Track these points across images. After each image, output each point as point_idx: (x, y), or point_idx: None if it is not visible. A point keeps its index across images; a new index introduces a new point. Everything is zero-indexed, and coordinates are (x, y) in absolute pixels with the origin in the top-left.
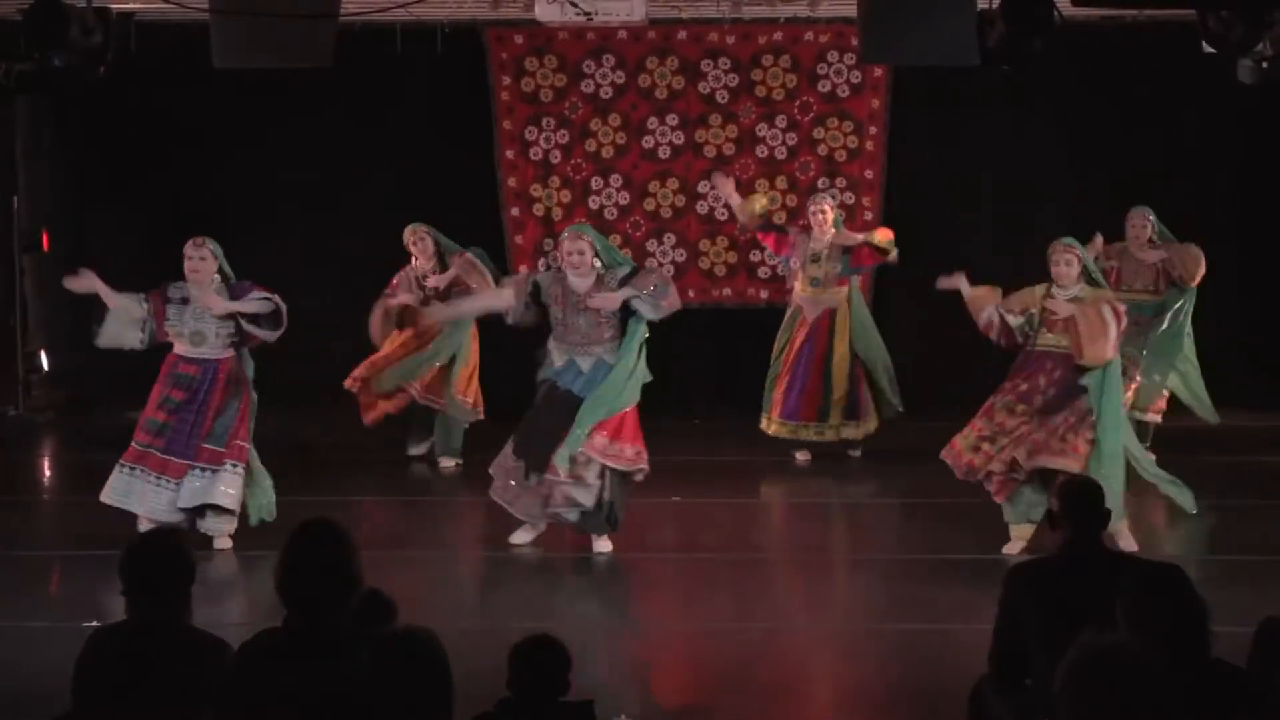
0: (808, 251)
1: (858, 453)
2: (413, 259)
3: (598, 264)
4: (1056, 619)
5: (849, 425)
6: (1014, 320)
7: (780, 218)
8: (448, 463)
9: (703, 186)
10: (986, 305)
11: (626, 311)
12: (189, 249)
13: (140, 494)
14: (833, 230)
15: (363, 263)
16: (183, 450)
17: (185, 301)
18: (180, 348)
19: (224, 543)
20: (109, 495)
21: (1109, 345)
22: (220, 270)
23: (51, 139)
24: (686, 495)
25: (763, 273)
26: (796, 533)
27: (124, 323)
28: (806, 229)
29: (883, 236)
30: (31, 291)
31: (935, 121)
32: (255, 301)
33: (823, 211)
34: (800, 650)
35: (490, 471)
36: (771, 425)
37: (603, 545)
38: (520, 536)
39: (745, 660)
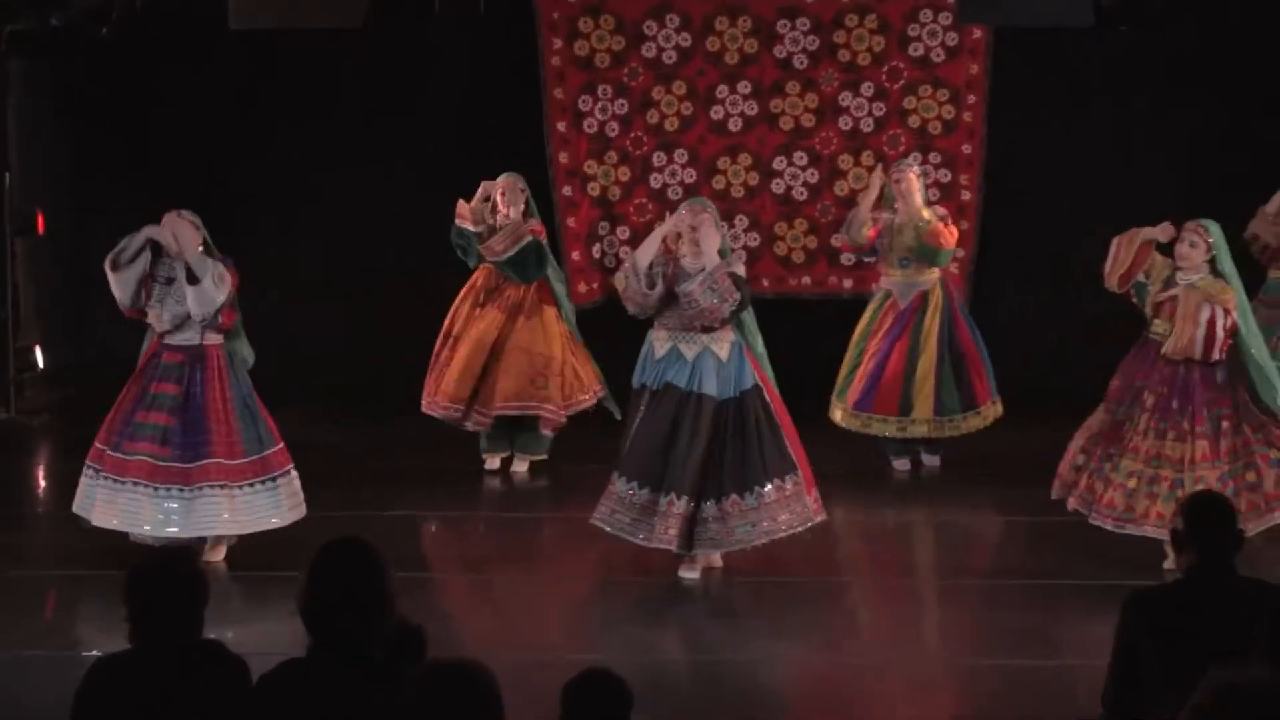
0: (894, 228)
1: (935, 459)
2: (498, 207)
3: (718, 243)
4: (1182, 653)
5: (938, 422)
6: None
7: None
8: (519, 466)
9: (778, 163)
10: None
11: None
12: (167, 218)
13: (137, 510)
14: (920, 202)
15: (396, 247)
16: (207, 452)
17: (171, 281)
18: (165, 336)
19: (216, 555)
20: (81, 507)
21: (1192, 344)
22: (205, 243)
23: (49, 110)
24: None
25: (846, 259)
26: (883, 552)
27: (141, 272)
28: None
29: (943, 236)
30: (24, 279)
31: (1042, 91)
32: (210, 267)
33: (906, 180)
34: (892, 687)
35: (597, 521)
36: (841, 413)
37: (691, 570)
38: (689, 571)
39: (830, 697)
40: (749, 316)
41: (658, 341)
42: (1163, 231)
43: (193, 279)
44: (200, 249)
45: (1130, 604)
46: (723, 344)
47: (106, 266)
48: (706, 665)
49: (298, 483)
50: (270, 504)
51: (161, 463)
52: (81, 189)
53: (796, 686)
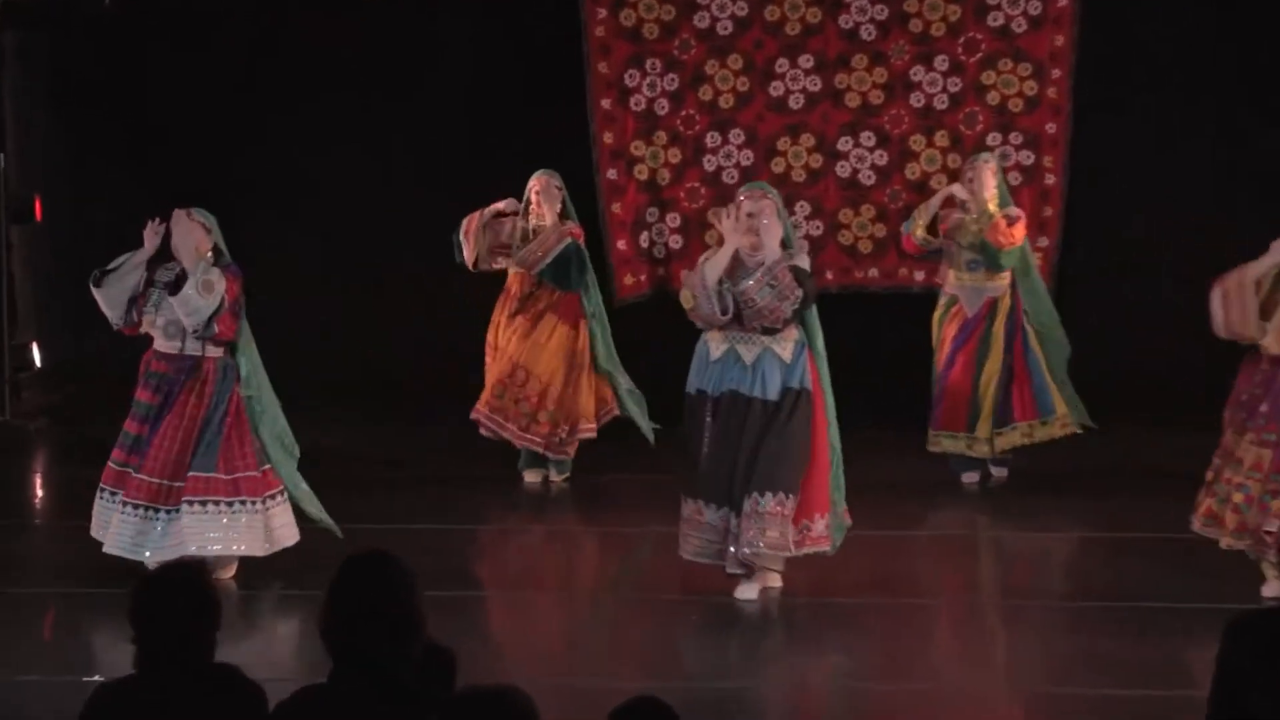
0: (962, 226)
1: (1004, 471)
2: (531, 208)
3: (780, 233)
4: None
5: (1002, 434)
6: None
7: (940, 181)
8: (555, 476)
9: (844, 144)
10: None
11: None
12: (175, 216)
13: (114, 525)
14: (994, 202)
15: (421, 241)
16: (160, 469)
17: (167, 287)
18: (157, 342)
19: (225, 571)
20: (97, 530)
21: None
22: (216, 248)
23: (47, 90)
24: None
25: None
26: (953, 571)
27: (132, 289)
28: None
29: (1004, 234)
30: (21, 270)
31: (1135, 61)
32: (212, 278)
33: (977, 171)
34: (962, 717)
35: (689, 555)
36: (945, 441)
37: (749, 591)
38: (746, 591)
39: None
40: (811, 311)
41: (712, 342)
42: (1274, 258)
43: (174, 287)
44: (209, 253)
45: (1233, 629)
46: (786, 344)
47: (90, 283)
48: (762, 691)
49: (273, 516)
50: (212, 527)
51: (123, 469)
52: (82, 173)
53: (860, 715)
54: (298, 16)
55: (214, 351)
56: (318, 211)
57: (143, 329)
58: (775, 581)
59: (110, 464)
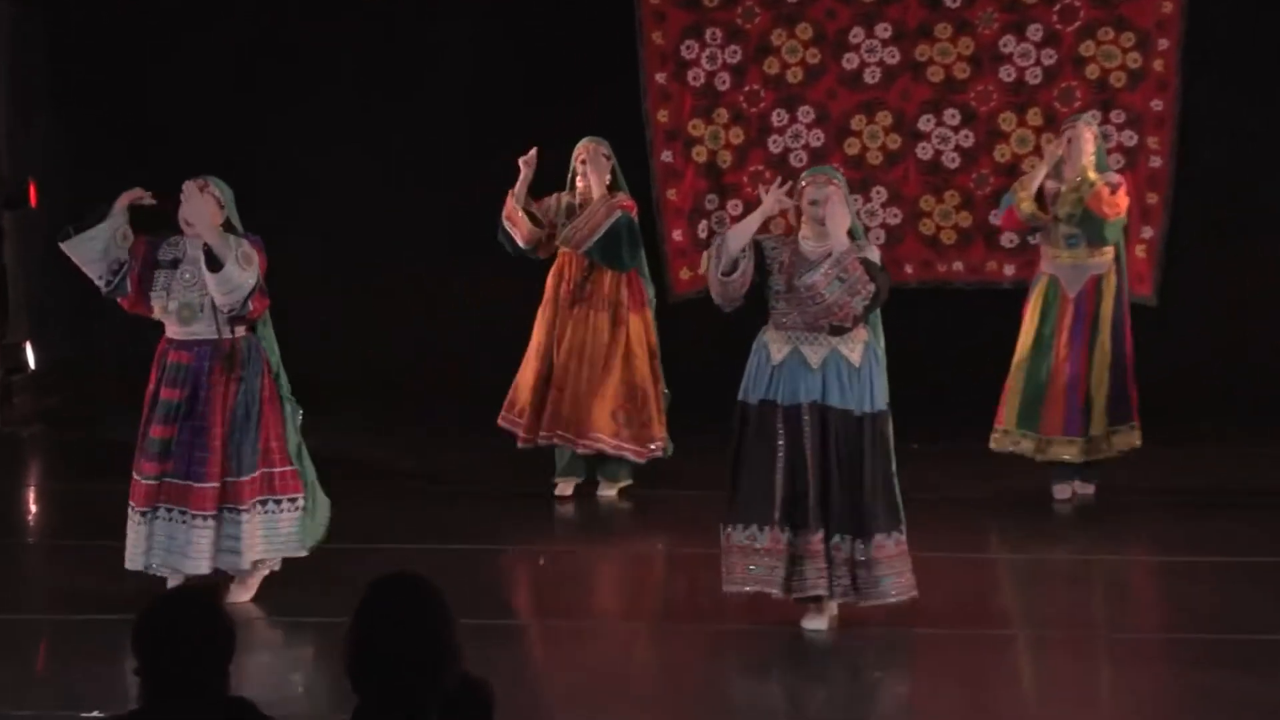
0: (1059, 196)
1: (1090, 487)
2: (577, 180)
3: (848, 222)
4: None
5: (1120, 433)
6: None
7: (1032, 164)
8: (607, 491)
9: (925, 123)
10: None
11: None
12: (186, 189)
13: (177, 544)
14: (1093, 167)
15: (451, 226)
16: (202, 472)
17: (176, 264)
18: (170, 328)
19: (243, 594)
20: (134, 559)
21: None
22: (228, 222)
23: (43, 68)
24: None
25: (1008, 240)
26: (1043, 598)
27: (103, 247)
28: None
29: (1108, 202)
30: (13, 261)
31: (1253, 30)
32: (234, 245)
33: (1077, 133)
34: None
35: (732, 587)
36: (1007, 437)
37: (817, 621)
38: (815, 622)
39: None
40: (876, 312)
41: (773, 344)
42: None
43: (213, 264)
44: (219, 227)
45: None
46: (854, 346)
47: (58, 239)
48: None
49: (299, 518)
50: (268, 533)
51: (164, 481)
52: (81, 157)
53: None
54: (298, 14)
55: (239, 330)
56: (318, 211)
57: (155, 314)
58: (834, 609)
59: (139, 478)
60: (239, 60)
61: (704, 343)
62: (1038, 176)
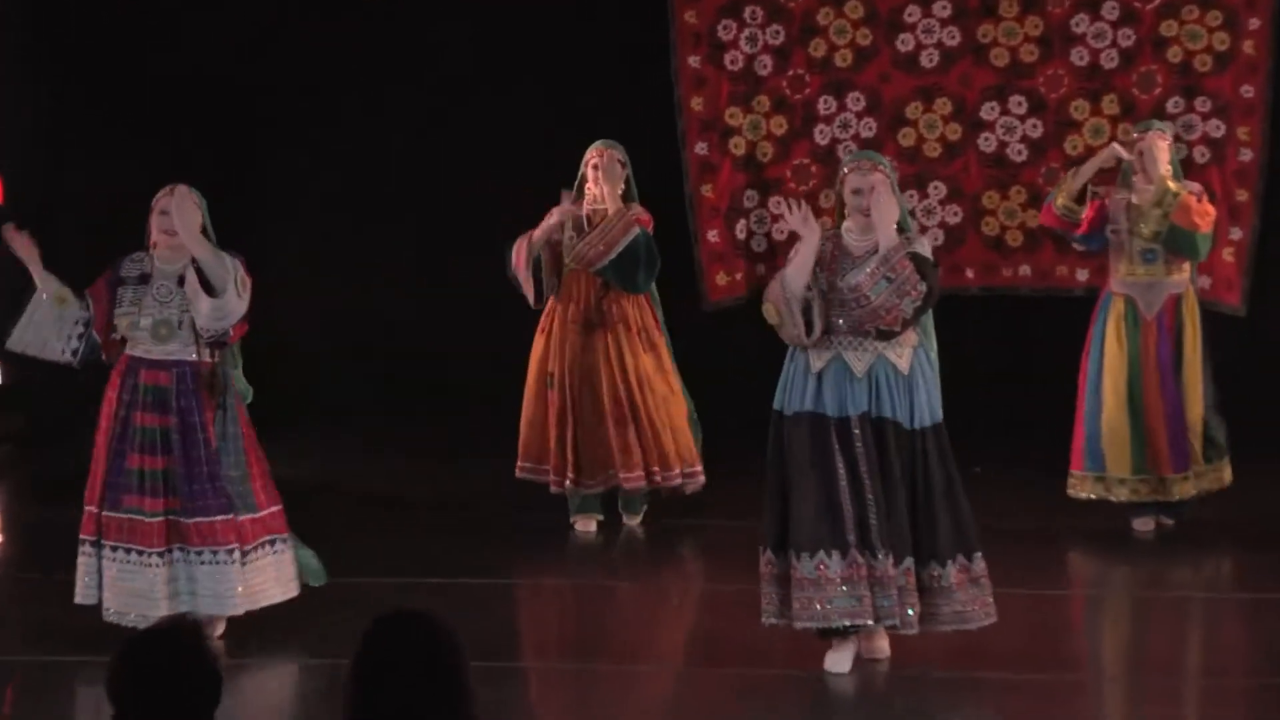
0: (1132, 209)
1: (1172, 521)
2: (588, 187)
3: (896, 215)
4: None
5: (1212, 471)
6: None
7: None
8: (632, 521)
9: (988, 110)
10: None
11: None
12: (177, 194)
13: (202, 588)
14: (1169, 177)
15: (468, 229)
16: (211, 505)
17: (145, 279)
18: (137, 346)
19: (213, 629)
20: (87, 594)
21: None
22: (205, 232)
23: (17, 56)
24: None
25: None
26: (1124, 639)
27: (51, 319)
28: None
29: (1198, 213)
30: None
31: None
32: (230, 268)
33: (1149, 142)
34: None
35: (770, 620)
36: (1085, 483)
37: (841, 659)
38: (838, 660)
39: None
40: (927, 314)
41: (813, 350)
42: None
43: (211, 289)
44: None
45: None
46: (903, 352)
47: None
48: None
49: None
50: (274, 577)
51: (159, 518)
52: (55, 149)
53: None
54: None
55: (210, 357)
56: (369, 179)
57: (119, 333)
58: (883, 650)
59: (106, 512)
60: (238, 49)
61: (745, 357)
62: (1084, 175)
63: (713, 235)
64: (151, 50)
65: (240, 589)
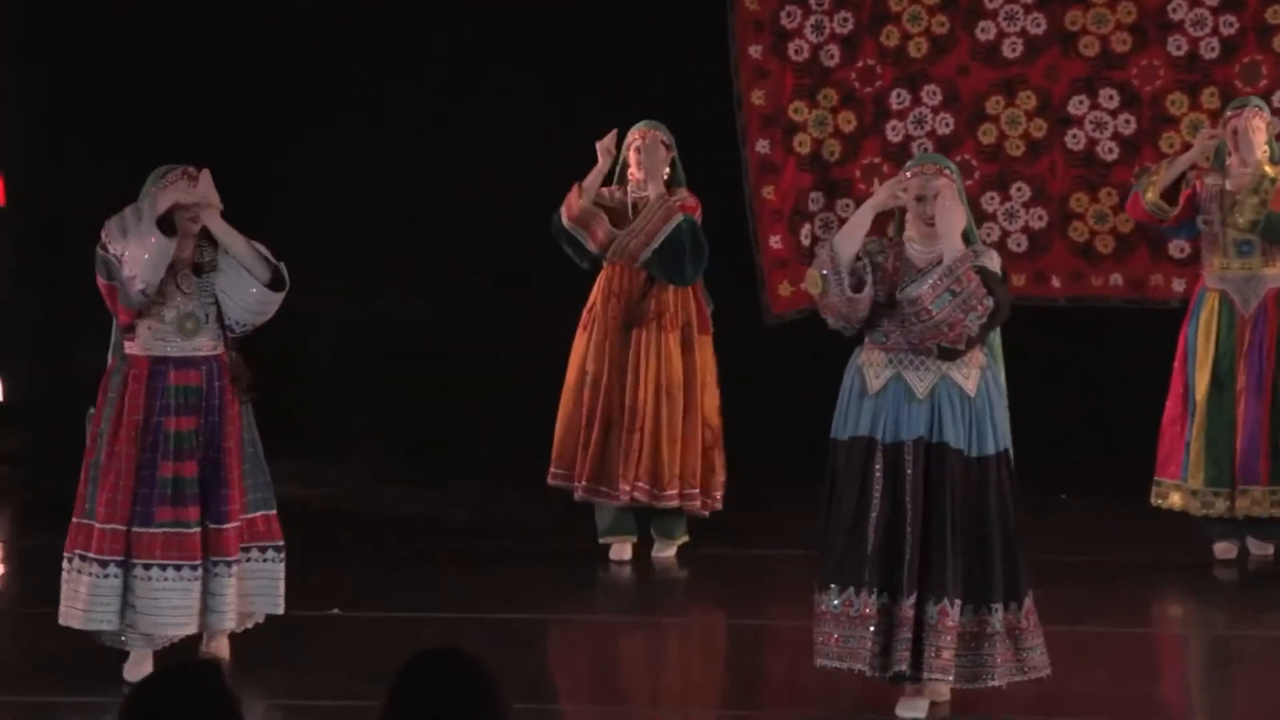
0: (1224, 196)
1: (1269, 547)
2: (630, 173)
3: (963, 223)
4: None
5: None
6: None
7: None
8: (665, 551)
9: (1077, 105)
10: None
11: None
12: (202, 177)
13: (181, 604)
14: (1267, 161)
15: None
16: (225, 511)
17: (172, 267)
18: (159, 343)
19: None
20: (101, 620)
21: None
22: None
23: (16, 51)
24: (1054, 619)
25: (1177, 250)
26: (1218, 685)
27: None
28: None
29: None
30: None
31: None
32: (268, 258)
33: (1245, 122)
34: None
35: (826, 661)
36: (1177, 494)
37: (915, 708)
38: (911, 709)
39: None
40: (995, 334)
41: (870, 368)
42: None
43: (279, 281)
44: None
45: None
46: (970, 373)
47: (161, 231)
48: None
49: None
50: (269, 585)
51: (198, 528)
52: (59, 146)
53: None
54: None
55: (221, 351)
56: (394, 181)
57: (138, 329)
58: (944, 693)
59: (137, 527)
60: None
61: (808, 374)
62: (1179, 166)
63: (775, 241)
64: (152, 50)
65: (282, 588)
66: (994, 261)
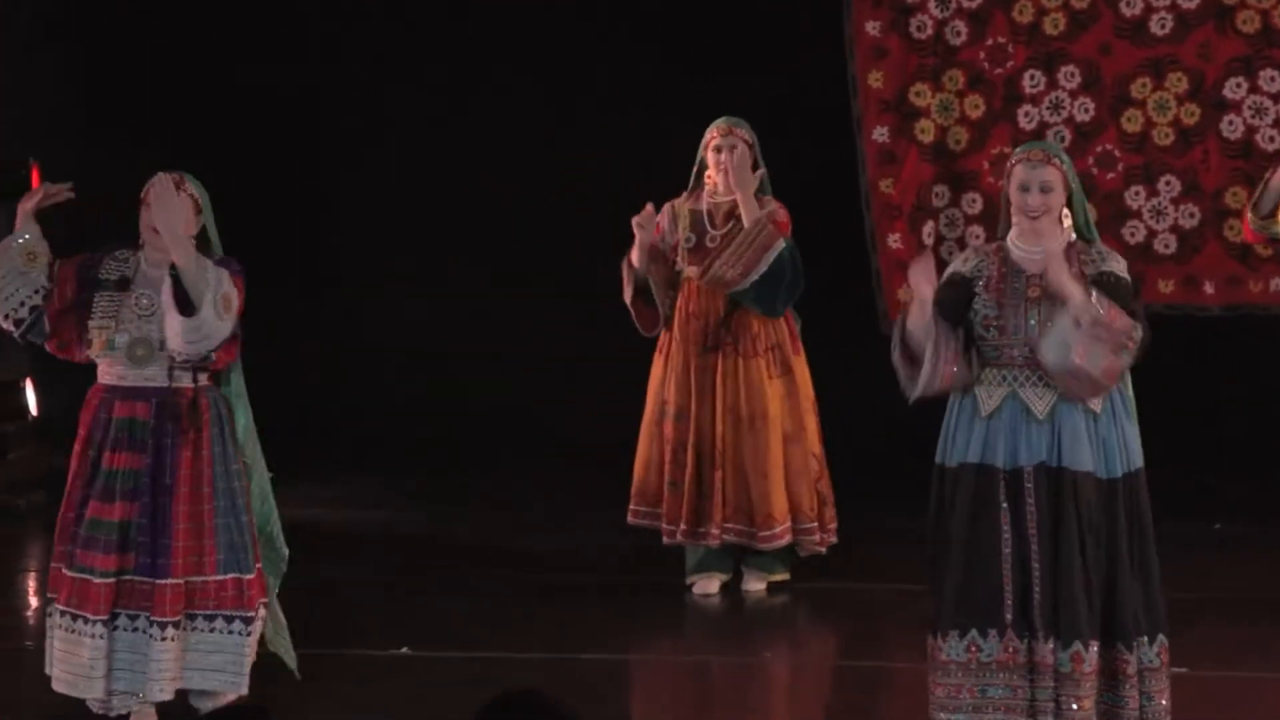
0: None
1: None
2: (707, 176)
3: (1068, 220)
4: None
5: None
6: None
7: None
8: (756, 585)
9: (1233, 88)
10: None
11: None
12: (157, 184)
13: (139, 663)
14: None
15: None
16: (166, 565)
17: (125, 285)
18: (111, 372)
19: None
20: (80, 683)
21: None
22: (204, 233)
23: (49, 36)
24: (1199, 663)
25: None
26: None
27: (15, 270)
28: None
29: None
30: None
31: None
32: (212, 281)
33: None
34: None
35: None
36: None
37: None
38: None
39: None
40: None
41: (982, 387)
42: None
43: (186, 305)
44: (192, 241)
45: None
46: None
47: None
48: None
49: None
50: (232, 661)
51: (125, 578)
52: (95, 139)
53: None
54: None
55: (202, 379)
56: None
57: (91, 352)
58: None
59: (85, 575)
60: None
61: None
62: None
63: (894, 240)
64: (152, 50)
65: (248, 665)
66: (1120, 265)
